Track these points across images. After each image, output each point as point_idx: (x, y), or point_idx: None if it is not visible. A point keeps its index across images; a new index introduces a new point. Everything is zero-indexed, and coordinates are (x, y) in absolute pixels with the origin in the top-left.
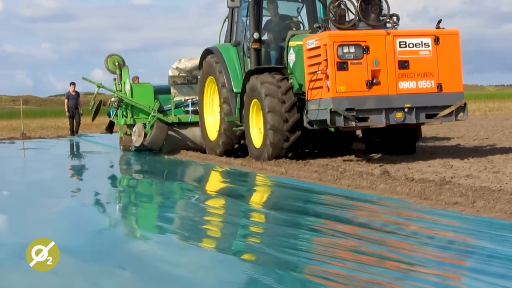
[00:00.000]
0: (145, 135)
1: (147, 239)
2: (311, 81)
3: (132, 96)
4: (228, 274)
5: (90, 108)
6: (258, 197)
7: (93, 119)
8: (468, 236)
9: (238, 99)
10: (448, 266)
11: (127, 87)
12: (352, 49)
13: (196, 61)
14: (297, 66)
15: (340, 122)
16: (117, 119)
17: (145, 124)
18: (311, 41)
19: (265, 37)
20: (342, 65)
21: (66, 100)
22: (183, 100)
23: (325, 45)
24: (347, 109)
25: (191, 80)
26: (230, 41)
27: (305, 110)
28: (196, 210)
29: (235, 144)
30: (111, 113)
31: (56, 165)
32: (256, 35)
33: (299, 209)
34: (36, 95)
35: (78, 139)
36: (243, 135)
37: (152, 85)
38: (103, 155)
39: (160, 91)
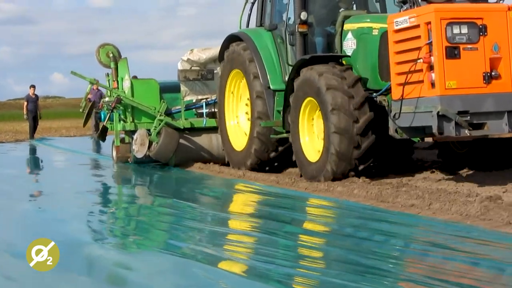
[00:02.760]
0: (150, 144)
1: (104, 244)
2: (401, 74)
3: (132, 95)
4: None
5: (81, 111)
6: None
7: (84, 124)
8: (424, 237)
9: (277, 98)
10: (405, 267)
11: (126, 84)
12: (465, 29)
13: (213, 51)
14: (358, 55)
15: (449, 130)
16: (111, 124)
17: (149, 130)
18: (403, 19)
19: None
20: (452, 51)
21: (25, 103)
22: (194, 101)
23: (429, 23)
24: (459, 112)
25: (206, 75)
26: (261, 25)
27: (391, 113)
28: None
29: (271, 152)
30: (102, 116)
31: (17, 168)
32: (304, 15)
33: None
34: None
35: (37, 143)
36: (281, 141)
37: (157, 82)
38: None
39: (166, 89)
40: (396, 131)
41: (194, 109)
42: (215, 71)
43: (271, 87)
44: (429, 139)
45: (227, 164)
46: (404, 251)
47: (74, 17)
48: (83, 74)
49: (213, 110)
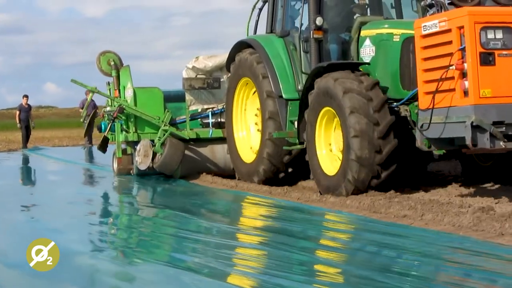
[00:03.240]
0: (154, 155)
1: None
2: (430, 81)
3: (135, 105)
4: None
5: (81, 120)
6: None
7: (85, 134)
8: (416, 248)
9: (290, 108)
10: (397, 278)
11: (129, 92)
12: (500, 34)
13: (219, 59)
14: (378, 62)
15: (483, 142)
16: (112, 134)
17: (153, 141)
18: (432, 23)
19: None
20: (487, 58)
21: (18, 112)
22: (199, 110)
23: (461, 27)
24: (494, 123)
25: (212, 84)
26: (271, 32)
27: (419, 124)
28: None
29: (280, 173)
30: (103, 126)
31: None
32: (319, 21)
33: None
34: None
35: (29, 153)
36: (294, 160)
37: (161, 90)
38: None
39: (169, 99)
40: (424, 143)
41: (199, 119)
42: (221, 80)
43: (283, 96)
44: None
45: (234, 176)
46: (396, 262)
47: (67, 27)
48: (83, 83)
49: (219, 120)
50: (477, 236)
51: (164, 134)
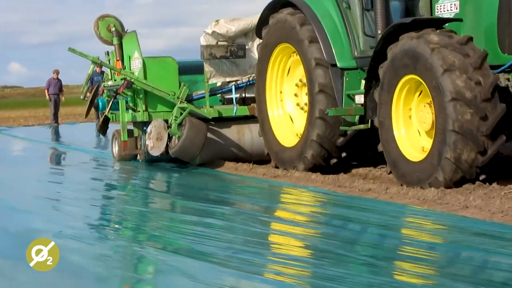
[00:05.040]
0: (170, 138)
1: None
2: None
3: (145, 78)
4: None
5: (82, 98)
6: None
7: (87, 114)
8: (381, 222)
9: (347, 78)
10: (362, 252)
11: (136, 63)
12: None
13: (243, 23)
14: (466, 20)
15: None
16: (112, 113)
17: (167, 121)
18: None
19: None
20: None
21: None
22: (218, 84)
23: None
24: None
25: (236, 52)
26: None
27: None
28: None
29: (333, 159)
30: (100, 104)
31: None
32: None
33: None
34: None
35: None
36: (348, 143)
37: (175, 60)
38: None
39: (183, 70)
40: None
41: (220, 95)
42: (246, 47)
43: (338, 64)
44: None
45: (263, 162)
46: (361, 236)
47: (31, 6)
48: (83, 52)
49: (244, 95)
50: (442, 209)
51: (181, 113)
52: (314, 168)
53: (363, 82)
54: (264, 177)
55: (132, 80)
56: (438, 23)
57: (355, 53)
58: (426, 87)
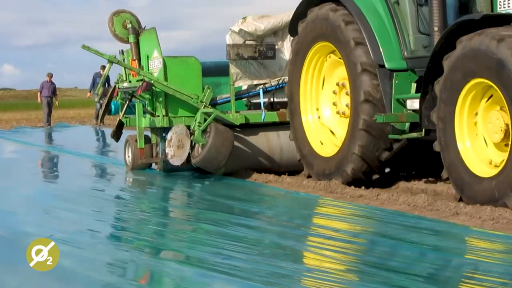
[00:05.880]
0: (192, 146)
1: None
2: None
3: (166, 79)
4: None
5: (96, 100)
6: None
7: (102, 119)
8: (372, 228)
9: (396, 81)
10: (353, 258)
11: (155, 63)
12: None
13: (273, 20)
14: None
15: None
16: (126, 118)
17: (189, 127)
18: None
19: None
20: None
21: None
22: (244, 88)
23: None
24: None
25: (265, 53)
26: None
27: None
28: None
29: (374, 175)
30: (113, 107)
31: None
32: None
33: None
34: None
35: None
36: (393, 157)
37: (199, 61)
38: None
39: (205, 72)
40: None
41: (245, 99)
42: (276, 47)
43: (386, 65)
44: None
45: (292, 173)
46: (351, 242)
47: (24, 7)
48: (98, 50)
49: (272, 100)
50: (432, 215)
51: (205, 119)
52: (353, 182)
53: (413, 85)
54: (256, 182)
55: (152, 81)
56: (510, 20)
57: (405, 53)
58: (495, 86)
